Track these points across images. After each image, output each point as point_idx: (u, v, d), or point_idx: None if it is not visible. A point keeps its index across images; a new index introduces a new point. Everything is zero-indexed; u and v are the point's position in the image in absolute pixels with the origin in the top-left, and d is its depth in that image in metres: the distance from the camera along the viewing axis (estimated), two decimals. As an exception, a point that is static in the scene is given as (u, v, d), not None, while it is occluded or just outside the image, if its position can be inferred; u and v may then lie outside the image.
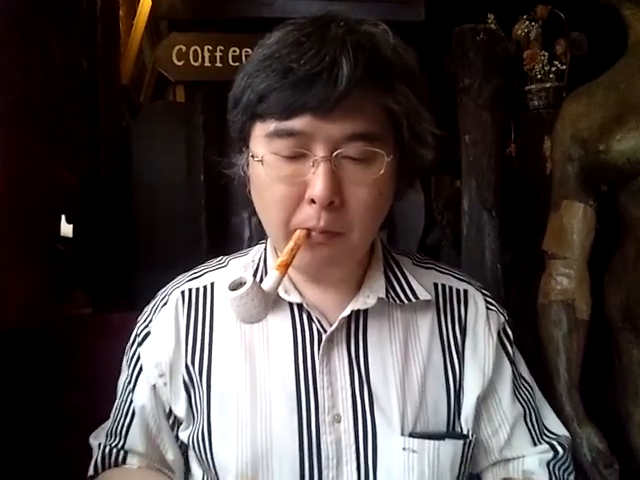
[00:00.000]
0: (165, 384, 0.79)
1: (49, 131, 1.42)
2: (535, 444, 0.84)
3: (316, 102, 0.63)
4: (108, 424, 0.86)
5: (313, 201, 0.67)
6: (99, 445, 0.84)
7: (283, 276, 0.67)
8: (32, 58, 1.34)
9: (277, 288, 0.67)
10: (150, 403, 0.81)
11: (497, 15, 1.63)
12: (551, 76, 1.62)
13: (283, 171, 0.68)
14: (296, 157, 0.67)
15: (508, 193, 1.55)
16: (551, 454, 0.83)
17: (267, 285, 0.66)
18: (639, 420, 1.26)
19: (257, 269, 0.84)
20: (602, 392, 1.36)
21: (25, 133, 1.29)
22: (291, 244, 0.68)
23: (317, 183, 0.65)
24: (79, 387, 1.27)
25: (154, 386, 0.80)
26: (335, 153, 0.66)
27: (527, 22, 1.65)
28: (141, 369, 0.81)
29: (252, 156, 0.71)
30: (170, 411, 0.81)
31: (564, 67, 1.63)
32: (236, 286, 0.64)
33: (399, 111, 0.68)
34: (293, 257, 0.67)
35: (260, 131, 0.69)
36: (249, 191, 0.76)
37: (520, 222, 1.60)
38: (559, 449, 0.84)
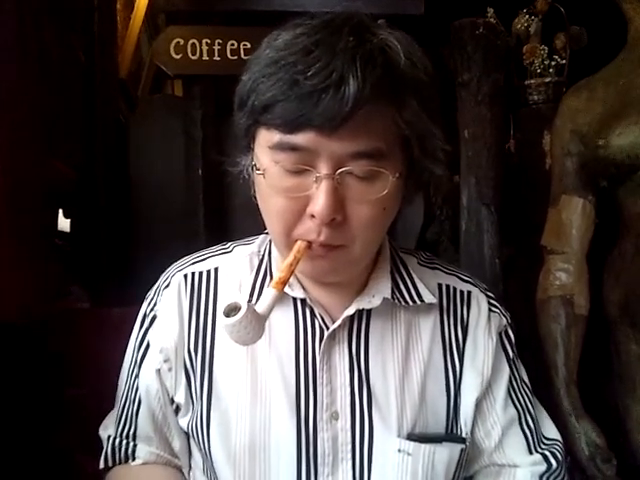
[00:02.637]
0: (170, 369, 0.79)
1: (46, 125, 1.42)
2: (531, 452, 0.82)
3: (321, 120, 0.61)
4: (115, 413, 0.85)
5: (314, 216, 0.66)
6: (108, 437, 0.84)
7: (280, 294, 0.66)
8: (29, 51, 1.33)
9: (272, 308, 0.66)
10: (155, 389, 0.80)
11: (497, 9, 1.62)
12: (551, 70, 1.62)
13: (285, 183, 0.67)
14: (299, 171, 0.66)
15: (507, 188, 1.55)
16: (544, 467, 0.82)
17: (262, 307, 0.65)
18: (637, 415, 1.26)
19: (262, 261, 0.83)
20: (600, 387, 1.37)
21: (22, 127, 1.28)
22: (290, 258, 0.67)
23: (319, 200, 0.64)
24: (77, 382, 1.27)
25: (159, 371, 0.79)
26: (339, 171, 0.64)
27: (527, 16, 1.65)
28: (146, 353, 0.81)
29: (255, 166, 0.70)
30: (172, 398, 0.80)
31: (564, 61, 1.62)
32: (230, 311, 0.63)
33: (409, 129, 0.66)
34: (292, 272, 0.67)
35: (264, 140, 0.68)
36: (254, 195, 0.75)
37: (519, 217, 1.60)
38: (552, 462, 0.82)
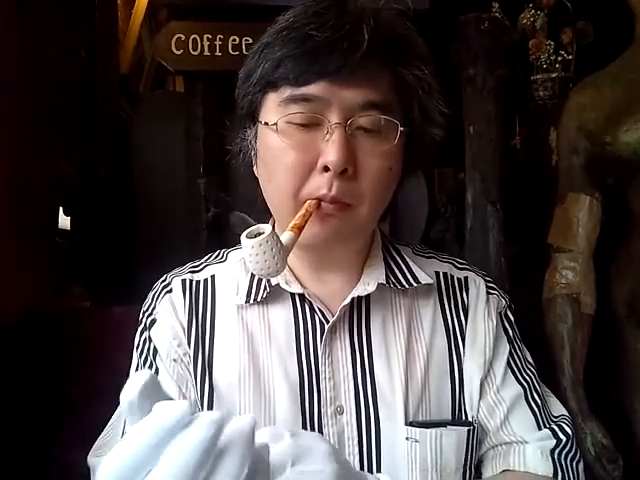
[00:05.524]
0: (185, 354, 0.76)
1: (47, 123, 1.41)
2: (540, 427, 0.80)
3: (334, 67, 0.64)
4: (111, 437, 0.80)
5: (326, 169, 0.66)
6: None
7: (297, 237, 0.64)
8: (30, 48, 1.32)
9: (292, 246, 0.64)
10: (177, 388, 0.75)
11: (502, 4, 1.61)
12: (557, 66, 1.61)
13: (296, 139, 0.68)
14: (310, 125, 0.67)
15: (513, 185, 1.53)
16: (553, 442, 0.79)
17: (284, 240, 0.63)
18: (644, 415, 1.25)
19: None
20: (607, 387, 1.35)
21: (23, 125, 1.28)
22: (302, 210, 0.67)
23: (331, 149, 0.65)
24: (79, 380, 1.27)
25: (175, 361, 0.76)
26: (349, 121, 0.67)
27: (533, 11, 1.64)
28: (156, 350, 0.78)
29: (266, 123, 0.70)
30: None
31: (570, 57, 1.61)
32: (254, 236, 0.61)
33: (413, 84, 0.70)
34: (305, 222, 0.66)
35: (273, 101, 0.69)
36: (254, 168, 0.76)
37: (525, 215, 1.58)
38: (562, 436, 0.80)
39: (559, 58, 1.60)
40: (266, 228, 0.60)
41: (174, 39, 1.67)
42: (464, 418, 0.78)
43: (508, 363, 0.81)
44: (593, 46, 1.62)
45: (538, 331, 1.35)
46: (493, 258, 1.47)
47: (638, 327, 1.25)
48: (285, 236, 0.63)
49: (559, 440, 0.79)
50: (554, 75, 1.60)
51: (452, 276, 0.84)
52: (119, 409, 0.81)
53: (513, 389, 0.80)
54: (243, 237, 0.61)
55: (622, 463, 1.22)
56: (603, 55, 1.40)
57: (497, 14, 1.58)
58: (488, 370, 0.80)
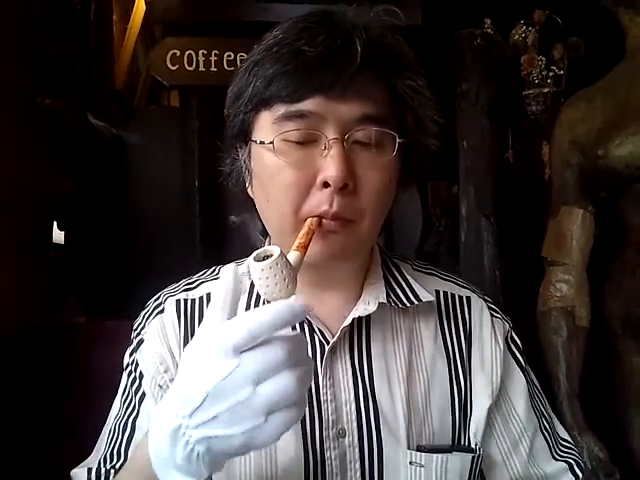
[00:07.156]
0: (172, 380, 0.73)
1: (43, 137, 1.41)
2: (554, 456, 0.78)
3: (328, 82, 0.63)
4: (93, 458, 0.76)
5: (325, 185, 0.65)
6: (89, 470, 0.74)
7: (303, 256, 0.62)
8: (26, 62, 1.33)
9: (300, 265, 0.61)
10: None
11: (494, 20, 1.63)
12: (549, 81, 1.62)
13: (293, 156, 0.66)
14: (306, 142, 0.66)
15: (506, 199, 1.54)
16: (573, 479, 0.78)
17: (291, 260, 0.60)
18: (640, 428, 1.25)
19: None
20: (603, 400, 1.35)
21: (20, 139, 1.28)
22: (305, 229, 0.65)
23: (330, 165, 0.64)
24: (72, 395, 1.25)
25: (160, 387, 0.74)
26: (347, 135, 0.65)
27: (524, 27, 1.66)
28: (142, 375, 0.75)
29: (261, 142, 0.68)
30: None
31: (562, 72, 1.63)
32: (262, 258, 0.58)
33: (406, 95, 0.69)
34: (310, 240, 0.64)
35: (266, 120, 0.68)
36: (247, 189, 0.74)
37: (519, 228, 1.59)
38: (578, 472, 0.78)
39: (550, 73, 1.62)
40: (274, 250, 0.58)
41: (169, 55, 1.68)
42: (466, 444, 0.76)
43: (526, 395, 0.79)
44: (584, 61, 1.64)
45: (533, 344, 1.35)
46: (487, 271, 1.47)
47: (632, 339, 1.25)
48: (292, 256, 0.61)
49: (577, 476, 0.78)
50: (546, 90, 1.62)
51: (453, 295, 0.82)
52: (104, 430, 0.78)
53: (532, 421, 0.79)
54: (251, 260, 0.59)
55: (619, 477, 1.21)
56: (594, 70, 1.41)
57: (489, 30, 1.60)
58: (504, 400, 0.78)
